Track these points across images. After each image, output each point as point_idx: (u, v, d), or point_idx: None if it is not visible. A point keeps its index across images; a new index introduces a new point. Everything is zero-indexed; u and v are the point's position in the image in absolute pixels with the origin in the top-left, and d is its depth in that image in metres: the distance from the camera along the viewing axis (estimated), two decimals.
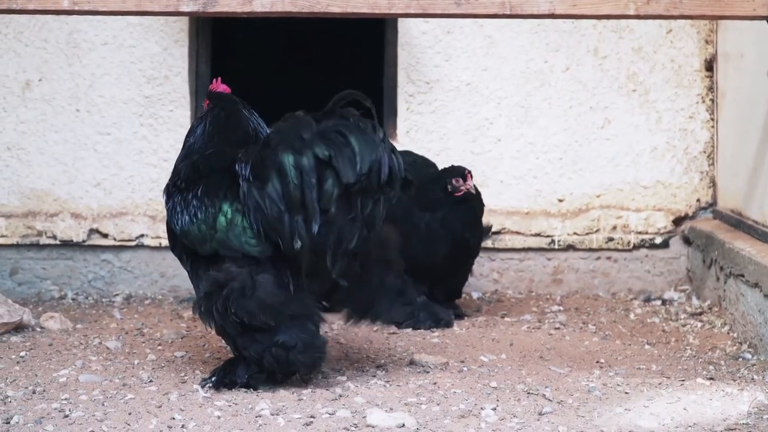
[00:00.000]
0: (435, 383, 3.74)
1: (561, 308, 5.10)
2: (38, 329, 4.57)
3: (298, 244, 3.48)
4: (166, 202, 3.79)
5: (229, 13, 3.89)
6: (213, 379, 3.66)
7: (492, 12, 3.89)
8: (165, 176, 5.32)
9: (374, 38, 6.05)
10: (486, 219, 4.93)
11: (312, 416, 3.34)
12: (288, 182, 3.47)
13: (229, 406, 3.45)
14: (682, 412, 3.41)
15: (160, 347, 4.30)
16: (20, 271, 5.39)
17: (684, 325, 4.72)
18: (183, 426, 3.25)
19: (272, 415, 3.36)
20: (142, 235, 5.37)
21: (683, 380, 3.79)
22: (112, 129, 5.37)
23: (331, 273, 3.56)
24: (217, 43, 5.95)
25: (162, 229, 5.34)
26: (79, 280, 5.40)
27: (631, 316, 4.95)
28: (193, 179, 3.74)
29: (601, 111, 5.42)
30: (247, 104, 3.92)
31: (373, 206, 3.53)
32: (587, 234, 5.43)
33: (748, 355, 4.13)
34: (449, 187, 4.73)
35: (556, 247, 5.43)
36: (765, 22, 4.09)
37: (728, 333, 4.54)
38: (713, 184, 5.42)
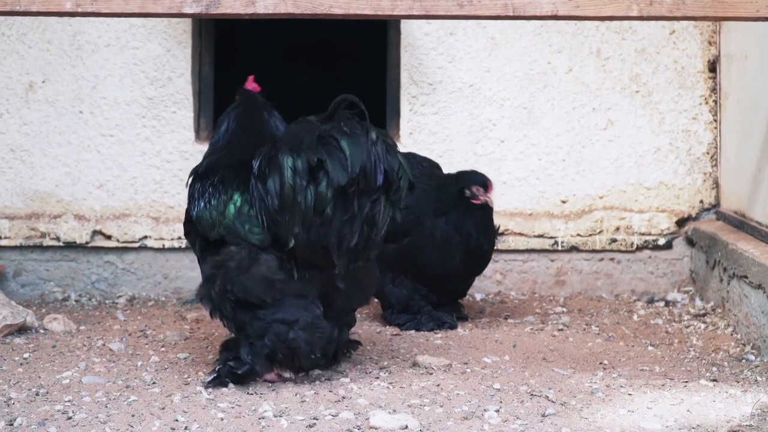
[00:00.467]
0: (438, 385, 3.74)
1: (564, 310, 5.10)
2: (41, 331, 4.58)
3: (291, 242, 3.64)
4: (188, 192, 3.98)
5: (232, 14, 3.89)
6: (217, 368, 3.73)
7: (495, 13, 3.89)
8: (168, 178, 5.37)
9: (377, 40, 6.05)
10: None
11: (315, 418, 3.34)
12: (284, 182, 3.62)
13: (232, 407, 3.45)
14: (686, 413, 3.41)
15: (163, 349, 4.30)
16: (23, 272, 5.40)
17: (687, 327, 4.72)
18: (186, 428, 3.26)
19: (275, 416, 3.36)
20: (145, 237, 5.37)
21: (686, 382, 3.79)
22: (115, 131, 5.38)
23: (332, 271, 3.67)
24: (221, 45, 5.96)
25: (165, 231, 5.36)
26: (82, 282, 5.41)
27: (635, 317, 4.95)
28: (213, 171, 3.92)
29: (604, 112, 5.42)
30: (270, 104, 4.11)
31: (371, 207, 3.64)
32: (590, 235, 5.43)
33: (752, 357, 4.13)
34: (467, 192, 4.63)
35: (559, 248, 5.43)
36: None
37: (732, 334, 4.54)
38: (716, 185, 5.41)
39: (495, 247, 4.79)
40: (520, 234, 5.40)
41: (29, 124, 5.37)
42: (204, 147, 5.32)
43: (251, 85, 4.20)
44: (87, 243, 5.38)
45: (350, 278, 3.75)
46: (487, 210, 4.70)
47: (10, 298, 4.72)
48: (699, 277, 5.28)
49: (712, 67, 5.39)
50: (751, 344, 4.28)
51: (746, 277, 4.40)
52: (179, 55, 5.37)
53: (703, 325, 4.72)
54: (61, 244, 5.38)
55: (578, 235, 5.42)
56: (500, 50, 5.40)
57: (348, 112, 3.69)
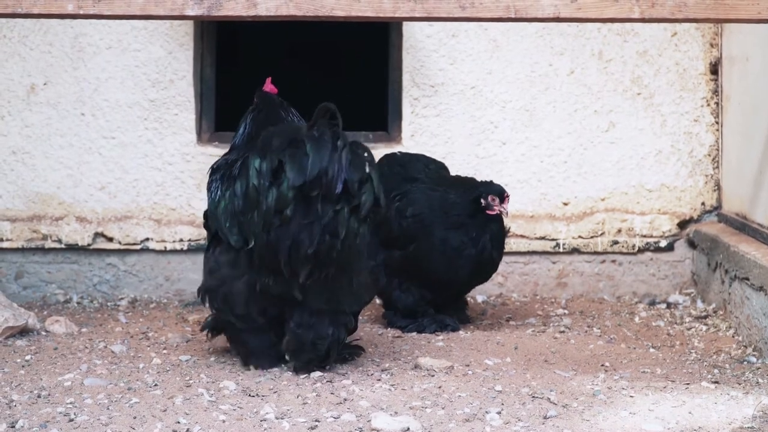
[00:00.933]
0: (440, 387, 3.74)
1: (566, 312, 5.10)
2: (43, 333, 4.58)
3: (252, 242, 3.77)
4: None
5: (234, 16, 3.89)
6: None
7: (497, 15, 3.88)
8: (170, 180, 5.37)
9: (379, 42, 6.05)
10: None
11: (317, 420, 3.34)
12: (249, 182, 3.74)
13: (234, 409, 3.45)
14: (687, 415, 3.41)
15: (165, 351, 4.30)
16: (25, 274, 5.40)
17: (689, 329, 4.72)
18: (188, 430, 3.26)
19: (277, 419, 3.36)
20: (147, 239, 5.38)
21: (688, 384, 3.79)
22: (117, 133, 5.38)
23: (289, 275, 3.76)
24: (223, 47, 5.96)
25: (167, 233, 5.36)
26: (84, 284, 5.41)
27: (636, 319, 4.95)
28: (221, 167, 4.08)
29: (605, 114, 5.42)
30: (286, 104, 4.27)
31: (335, 215, 3.70)
32: (592, 237, 5.43)
33: (753, 359, 4.13)
34: (483, 201, 4.57)
35: (561, 250, 5.43)
36: None
37: (733, 336, 4.54)
38: (718, 187, 5.41)
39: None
40: (522, 236, 5.40)
41: (31, 126, 5.37)
42: (206, 149, 5.36)
43: (269, 86, 4.34)
44: (89, 245, 5.38)
45: (320, 287, 3.81)
46: (501, 222, 4.66)
47: (12, 301, 4.72)
48: (700, 279, 5.28)
49: (714, 69, 5.39)
50: (753, 346, 4.28)
51: (748, 279, 4.40)
52: (181, 57, 5.37)
53: (704, 327, 4.72)
54: (62, 246, 5.38)
55: (580, 237, 5.42)
56: (502, 52, 5.40)
57: (323, 120, 3.76)
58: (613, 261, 5.46)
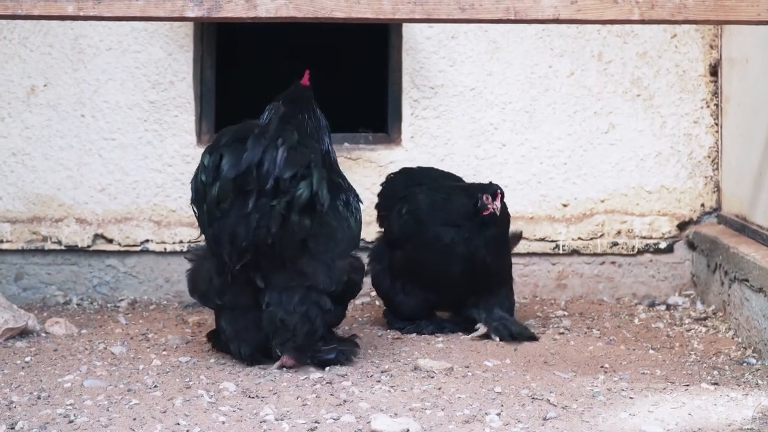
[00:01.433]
0: (439, 388, 3.74)
1: (565, 313, 5.10)
2: (43, 334, 4.58)
3: (202, 235, 4.00)
4: None
5: (234, 18, 3.90)
6: None
7: (496, 17, 3.88)
8: (170, 181, 5.37)
9: (379, 43, 6.05)
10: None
11: (316, 421, 3.35)
12: (197, 177, 3.92)
13: (234, 411, 3.45)
14: (687, 417, 3.41)
15: (165, 352, 4.30)
16: (25, 276, 5.40)
17: (688, 330, 4.72)
18: (188, 431, 3.26)
19: (277, 420, 3.36)
20: (147, 241, 5.38)
21: (688, 385, 3.79)
22: (117, 134, 5.38)
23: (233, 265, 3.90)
24: (223, 49, 5.96)
25: (167, 234, 5.36)
26: (84, 286, 5.41)
27: (636, 321, 4.95)
28: None
29: (605, 116, 5.42)
30: (309, 102, 4.34)
31: (270, 209, 3.84)
32: (591, 239, 5.43)
33: (753, 360, 4.13)
34: (479, 202, 4.55)
35: (561, 252, 5.43)
36: None
37: (733, 338, 4.54)
38: (717, 188, 5.42)
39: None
40: (522, 237, 5.40)
41: (31, 127, 5.37)
42: None
43: (306, 80, 4.45)
44: (89, 247, 5.38)
45: (282, 269, 3.93)
46: (501, 227, 4.65)
47: (12, 302, 4.72)
48: (700, 281, 5.28)
49: (714, 70, 5.39)
50: (752, 348, 4.28)
51: (747, 280, 4.40)
52: (181, 58, 5.38)
53: (704, 329, 4.72)
54: (62, 247, 5.38)
55: (579, 238, 5.42)
56: (502, 54, 5.40)
57: (273, 119, 4.01)
58: (613, 262, 5.46)
